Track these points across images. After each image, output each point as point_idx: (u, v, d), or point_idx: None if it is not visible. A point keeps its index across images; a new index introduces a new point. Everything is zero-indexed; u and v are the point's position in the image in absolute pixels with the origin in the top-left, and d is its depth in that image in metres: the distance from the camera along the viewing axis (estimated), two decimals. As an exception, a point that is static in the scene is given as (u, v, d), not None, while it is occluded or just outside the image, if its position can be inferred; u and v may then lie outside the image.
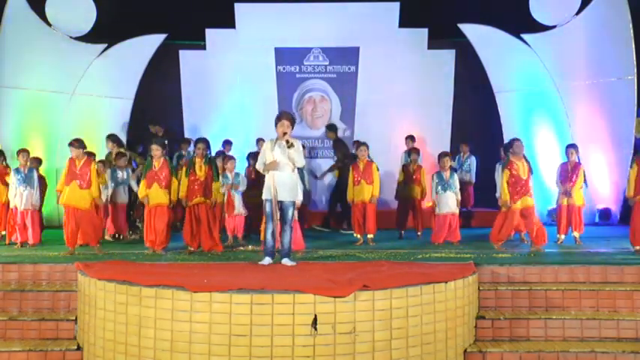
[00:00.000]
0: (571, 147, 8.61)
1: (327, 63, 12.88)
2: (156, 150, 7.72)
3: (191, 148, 10.51)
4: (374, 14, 12.50)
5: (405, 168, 9.68)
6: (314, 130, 12.97)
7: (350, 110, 12.88)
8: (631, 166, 7.87)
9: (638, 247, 7.57)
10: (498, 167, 9.08)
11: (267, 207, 6.40)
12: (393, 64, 12.62)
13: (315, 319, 4.80)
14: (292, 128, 6.51)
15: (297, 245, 7.48)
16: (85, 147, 7.74)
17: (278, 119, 6.49)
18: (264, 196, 6.46)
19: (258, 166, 6.61)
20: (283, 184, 6.37)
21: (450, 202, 8.52)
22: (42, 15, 11.18)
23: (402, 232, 9.46)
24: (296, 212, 7.40)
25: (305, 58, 12.88)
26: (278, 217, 6.39)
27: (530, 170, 7.72)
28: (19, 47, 10.83)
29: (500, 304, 6.03)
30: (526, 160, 7.75)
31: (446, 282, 5.38)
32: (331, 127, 11.30)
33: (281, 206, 6.40)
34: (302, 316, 4.80)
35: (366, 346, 4.90)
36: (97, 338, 5.36)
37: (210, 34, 12.61)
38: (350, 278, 5.38)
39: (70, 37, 11.47)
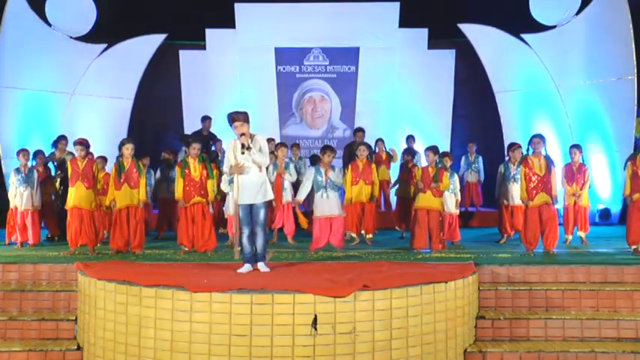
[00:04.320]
0: (574, 147, 8.57)
1: (327, 63, 12.88)
2: (125, 149, 7.64)
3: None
4: (374, 14, 12.50)
5: (401, 167, 9.69)
6: (314, 130, 12.98)
7: (350, 110, 12.88)
8: (625, 167, 7.86)
9: (634, 247, 7.55)
10: (501, 167, 9.08)
11: (240, 211, 6.02)
12: (393, 64, 12.63)
13: (315, 319, 4.79)
14: (249, 123, 5.87)
15: (290, 231, 8.57)
16: (90, 147, 7.76)
17: (229, 121, 5.88)
18: (238, 201, 6.05)
19: (225, 169, 6.25)
20: (251, 186, 5.94)
21: (448, 203, 8.49)
22: (42, 15, 11.19)
23: (403, 232, 9.43)
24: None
25: (305, 58, 12.88)
26: (238, 222, 6.06)
27: (549, 168, 7.44)
28: (19, 47, 10.84)
29: (500, 304, 6.02)
30: (545, 157, 7.52)
31: (446, 282, 5.38)
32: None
33: (252, 209, 6.01)
34: (302, 316, 4.79)
35: (366, 346, 4.90)
36: (97, 338, 5.36)
37: (210, 34, 12.62)
38: (350, 278, 5.37)
39: (70, 37, 11.48)
